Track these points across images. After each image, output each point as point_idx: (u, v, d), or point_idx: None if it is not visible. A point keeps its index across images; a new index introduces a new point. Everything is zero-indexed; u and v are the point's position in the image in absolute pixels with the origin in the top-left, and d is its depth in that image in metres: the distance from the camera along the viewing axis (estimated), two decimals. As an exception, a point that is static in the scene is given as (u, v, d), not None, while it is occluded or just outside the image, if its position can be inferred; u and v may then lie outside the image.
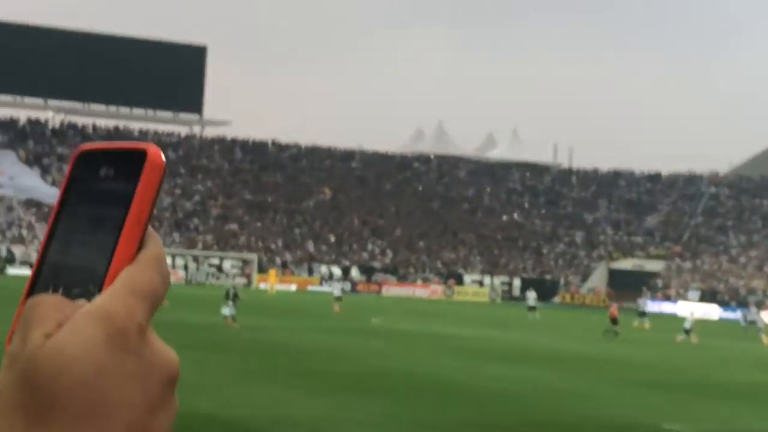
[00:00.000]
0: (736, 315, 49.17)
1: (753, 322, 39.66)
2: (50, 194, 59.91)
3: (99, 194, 0.48)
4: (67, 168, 0.48)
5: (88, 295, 0.46)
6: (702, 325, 47.48)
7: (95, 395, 0.43)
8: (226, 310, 29.13)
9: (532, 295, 48.12)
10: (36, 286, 0.47)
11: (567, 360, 26.41)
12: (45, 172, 67.52)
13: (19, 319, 0.45)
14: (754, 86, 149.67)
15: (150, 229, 0.49)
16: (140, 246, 0.48)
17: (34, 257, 52.71)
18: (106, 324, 0.44)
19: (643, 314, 46.20)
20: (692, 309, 43.53)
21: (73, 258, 0.48)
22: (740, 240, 73.11)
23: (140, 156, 0.48)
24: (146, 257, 0.48)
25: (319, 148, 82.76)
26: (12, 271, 55.70)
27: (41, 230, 64.23)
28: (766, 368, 28.47)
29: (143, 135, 75.01)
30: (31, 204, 63.51)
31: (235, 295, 29.62)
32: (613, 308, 38.57)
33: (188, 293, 43.32)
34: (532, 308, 46.74)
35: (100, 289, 0.46)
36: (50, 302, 0.46)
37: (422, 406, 17.17)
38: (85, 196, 0.49)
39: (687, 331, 37.61)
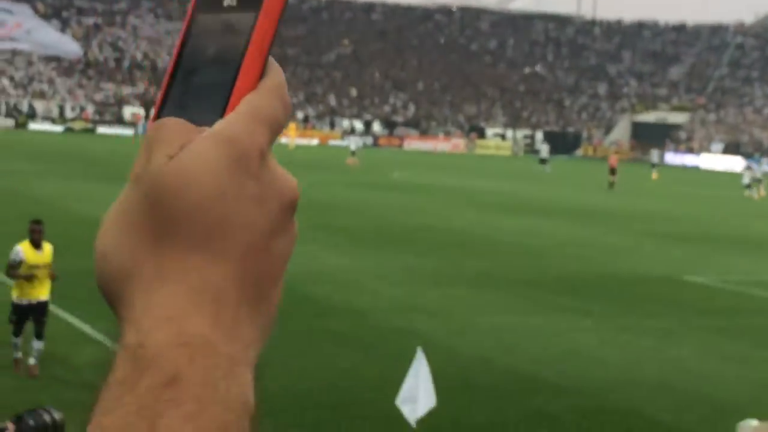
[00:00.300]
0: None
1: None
2: (71, 50, 57.60)
3: (221, 24, 0.48)
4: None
5: (211, 123, 0.46)
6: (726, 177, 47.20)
7: (216, 215, 0.44)
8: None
9: (545, 148, 48.90)
10: (161, 112, 0.48)
11: (587, 213, 26.43)
12: (65, 25, 66.41)
13: (144, 141, 0.46)
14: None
15: (271, 58, 0.49)
16: (262, 75, 0.48)
17: (55, 112, 53.07)
18: (228, 147, 0.44)
19: (653, 166, 47.21)
20: (748, 164, 44.22)
21: (197, 86, 0.48)
22: (765, 91, 71.74)
23: None
24: (268, 85, 0.48)
25: (339, 0, 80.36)
26: (33, 126, 55.47)
27: (63, 85, 64.42)
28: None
29: None
30: (51, 58, 62.82)
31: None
32: (613, 158, 38.62)
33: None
34: (543, 161, 47.06)
35: (222, 116, 0.46)
36: (174, 125, 0.46)
37: (441, 259, 17.40)
38: (208, 26, 0.49)
39: (748, 186, 37.83)
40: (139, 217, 0.45)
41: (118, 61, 68.63)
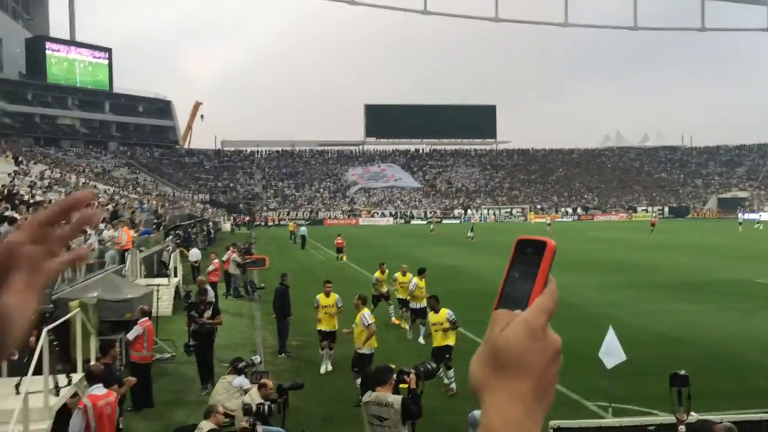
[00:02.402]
0: None
1: None
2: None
3: (526, 260, 0.91)
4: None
5: (522, 310, 0.88)
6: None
7: (522, 359, 0.85)
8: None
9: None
10: (499, 304, 0.89)
11: (696, 247, 34.99)
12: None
13: (491, 320, 0.88)
14: None
15: (550, 276, 0.90)
16: (545, 284, 0.89)
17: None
18: (527, 326, 0.86)
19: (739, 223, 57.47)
20: None
21: (515, 290, 0.90)
22: None
23: (543, 243, 0.91)
24: (549, 291, 0.89)
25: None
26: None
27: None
28: None
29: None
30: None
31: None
32: (653, 220, 50.80)
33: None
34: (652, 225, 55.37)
35: (526, 308, 0.88)
36: (503, 314, 0.88)
37: (627, 275, 26.64)
38: (520, 260, 0.91)
39: None
40: (487, 361, 0.86)
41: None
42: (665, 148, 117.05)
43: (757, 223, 63.78)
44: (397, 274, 19.31)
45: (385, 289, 19.92)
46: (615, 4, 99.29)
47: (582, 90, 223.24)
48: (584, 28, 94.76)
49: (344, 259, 37.09)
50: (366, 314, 13.01)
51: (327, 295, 14.74)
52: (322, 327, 14.60)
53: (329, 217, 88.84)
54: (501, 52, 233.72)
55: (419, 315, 17.21)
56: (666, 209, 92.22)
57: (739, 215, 73.69)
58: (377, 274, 20.19)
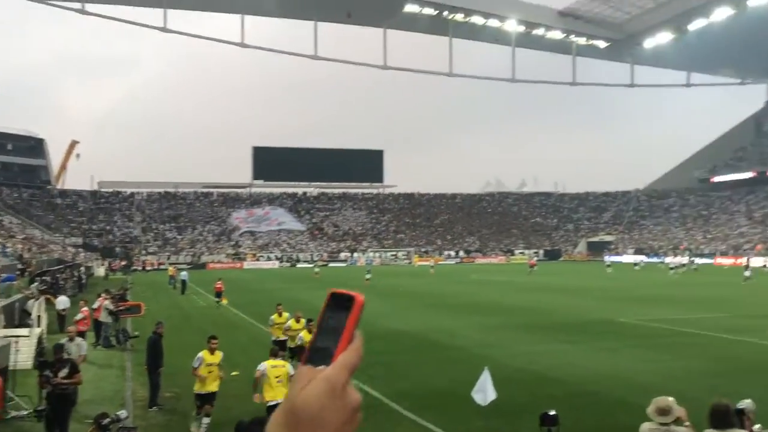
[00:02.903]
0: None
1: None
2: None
3: (335, 314, 0.93)
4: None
5: (326, 365, 0.89)
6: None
7: (318, 418, 0.85)
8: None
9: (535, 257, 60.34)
10: (306, 360, 0.90)
11: (567, 289, 36.61)
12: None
13: (294, 377, 0.91)
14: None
15: (357, 332, 0.93)
16: (351, 340, 0.91)
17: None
18: (327, 383, 0.87)
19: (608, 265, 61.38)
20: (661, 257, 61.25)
21: (322, 345, 0.91)
22: (652, 223, 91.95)
23: (352, 298, 0.93)
24: (354, 347, 0.91)
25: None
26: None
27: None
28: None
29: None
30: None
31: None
32: (531, 261, 52.32)
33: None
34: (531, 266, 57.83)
35: (330, 363, 0.88)
36: (306, 371, 0.89)
37: (502, 317, 27.33)
38: (330, 314, 0.93)
39: (672, 268, 58.88)
40: (285, 417, 0.86)
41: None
42: (540, 194, 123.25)
43: (608, 265, 66.61)
44: (291, 322, 18.70)
45: (287, 335, 18.80)
46: (497, 57, 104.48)
47: (466, 137, 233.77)
48: (468, 78, 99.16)
49: (224, 302, 36.06)
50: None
51: (212, 352, 13.43)
52: (202, 389, 13.26)
53: (213, 261, 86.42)
54: (390, 98, 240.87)
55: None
56: (541, 252, 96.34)
57: (606, 258, 78.84)
58: (274, 316, 19.77)
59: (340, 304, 0.92)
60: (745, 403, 7.66)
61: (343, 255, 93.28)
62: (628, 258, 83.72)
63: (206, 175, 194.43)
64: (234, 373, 13.36)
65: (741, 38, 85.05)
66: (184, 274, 47.46)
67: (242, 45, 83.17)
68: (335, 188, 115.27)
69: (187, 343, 20.62)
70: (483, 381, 11.45)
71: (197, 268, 76.82)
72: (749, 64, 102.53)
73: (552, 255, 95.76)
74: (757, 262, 65.24)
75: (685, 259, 65.87)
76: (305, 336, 16.50)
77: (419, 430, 13.00)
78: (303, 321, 18.03)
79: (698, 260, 70.11)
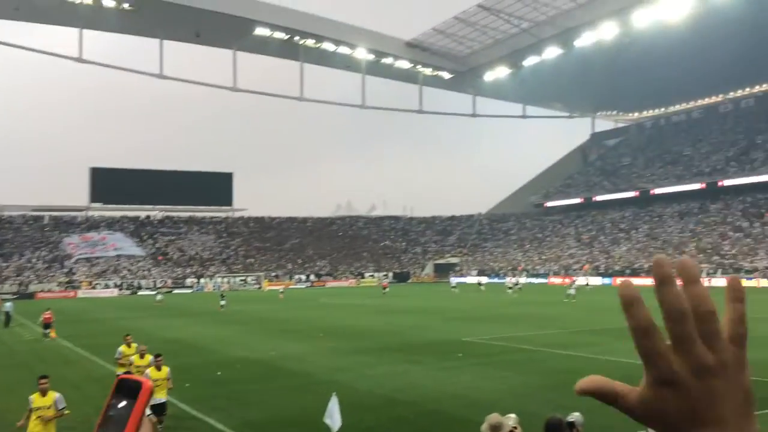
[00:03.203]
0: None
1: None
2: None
3: (123, 401, 0.89)
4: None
5: None
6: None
7: None
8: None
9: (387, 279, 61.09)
10: None
11: (415, 310, 37.36)
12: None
13: None
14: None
15: (145, 419, 0.90)
16: (138, 427, 0.87)
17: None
18: None
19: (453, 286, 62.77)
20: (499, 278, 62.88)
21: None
22: (494, 245, 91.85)
23: (140, 384, 0.90)
24: None
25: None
26: None
27: None
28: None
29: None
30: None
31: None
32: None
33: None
34: (384, 288, 58.80)
35: None
36: None
37: (354, 342, 27.14)
38: (118, 400, 0.89)
39: (510, 288, 60.17)
40: None
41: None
42: (390, 217, 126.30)
43: (454, 286, 70.39)
44: (134, 357, 16.64)
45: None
46: (349, 83, 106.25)
47: (318, 161, 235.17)
48: (319, 103, 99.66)
49: (53, 335, 33.25)
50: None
51: (43, 393, 11.78)
52: None
53: (42, 290, 79.81)
54: (242, 121, 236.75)
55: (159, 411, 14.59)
56: (391, 274, 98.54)
57: (452, 279, 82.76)
58: (122, 348, 17.91)
59: (127, 391, 0.90)
60: (575, 416, 8.07)
61: (189, 281, 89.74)
62: (472, 279, 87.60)
63: (37, 197, 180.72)
64: (66, 412, 12.21)
65: (569, 76, 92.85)
66: (8, 305, 43.29)
67: (79, 60, 78.42)
68: (181, 212, 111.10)
69: (13, 382, 18.76)
70: (332, 407, 11.57)
71: (24, 298, 70.95)
72: (576, 99, 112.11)
73: (401, 277, 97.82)
74: (580, 281, 70.46)
75: (523, 279, 70.33)
76: (152, 373, 14.87)
77: (266, 461, 12.59)
78: (148, 357, 16.32)
79: (533, 280, 74.65)
